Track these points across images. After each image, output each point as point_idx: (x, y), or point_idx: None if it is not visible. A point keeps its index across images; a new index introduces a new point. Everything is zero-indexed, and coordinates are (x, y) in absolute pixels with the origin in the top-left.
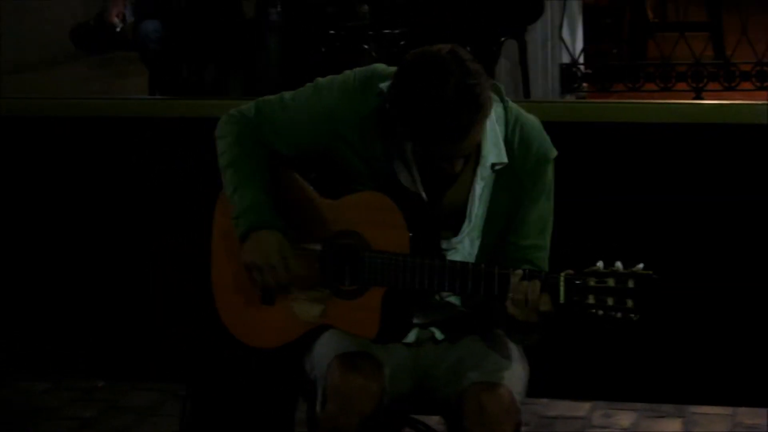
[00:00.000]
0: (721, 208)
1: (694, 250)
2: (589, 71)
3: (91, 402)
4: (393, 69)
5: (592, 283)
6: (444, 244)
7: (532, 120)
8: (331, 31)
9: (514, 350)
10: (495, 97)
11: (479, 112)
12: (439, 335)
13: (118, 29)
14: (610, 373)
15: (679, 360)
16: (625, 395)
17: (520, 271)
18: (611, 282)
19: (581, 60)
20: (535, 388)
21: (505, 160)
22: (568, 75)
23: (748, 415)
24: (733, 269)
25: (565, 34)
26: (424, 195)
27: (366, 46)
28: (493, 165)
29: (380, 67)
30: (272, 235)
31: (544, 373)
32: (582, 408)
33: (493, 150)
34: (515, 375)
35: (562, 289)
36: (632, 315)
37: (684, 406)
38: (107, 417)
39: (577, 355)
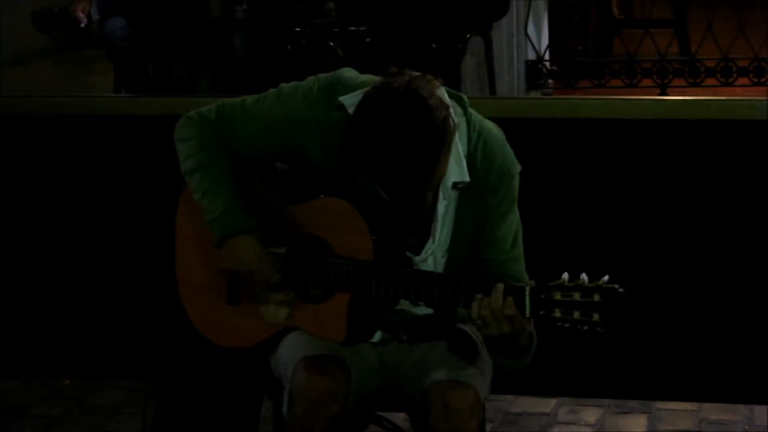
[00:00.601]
0: (684, 202)
1: (659, 246)
2: (554, 68)
3: (59, 400)
4: (360, 79)
5: (558, 297)
6: (410, 256)
7: (496, 133)
8: (297, 29)
9: (479, 346)
10: (458, 110)
11: (443, 146)
12: (404, 335)
13: (82, 25)
14: (576, 370)
15: (645, 356)
16: (590, 391)
17: (479, 294)
18: (577, 296)
19: (547, 56)
20: (500, 384)
21: (467, 179)
22: (533, 71)
23: (714, 411)
24: (696, 263)
25: (531, 30)
26: (387, 197)
27: (332, 44)
28: (455, 184)
29: (346, 75)
30: (247, 239)
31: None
32: (547, 404)
33: (455, 168)
34: (479, 372)
35: (527, 302)
36: (599, 328)
37: (649, 402)
38: (75, 415)
39: (542, 352)
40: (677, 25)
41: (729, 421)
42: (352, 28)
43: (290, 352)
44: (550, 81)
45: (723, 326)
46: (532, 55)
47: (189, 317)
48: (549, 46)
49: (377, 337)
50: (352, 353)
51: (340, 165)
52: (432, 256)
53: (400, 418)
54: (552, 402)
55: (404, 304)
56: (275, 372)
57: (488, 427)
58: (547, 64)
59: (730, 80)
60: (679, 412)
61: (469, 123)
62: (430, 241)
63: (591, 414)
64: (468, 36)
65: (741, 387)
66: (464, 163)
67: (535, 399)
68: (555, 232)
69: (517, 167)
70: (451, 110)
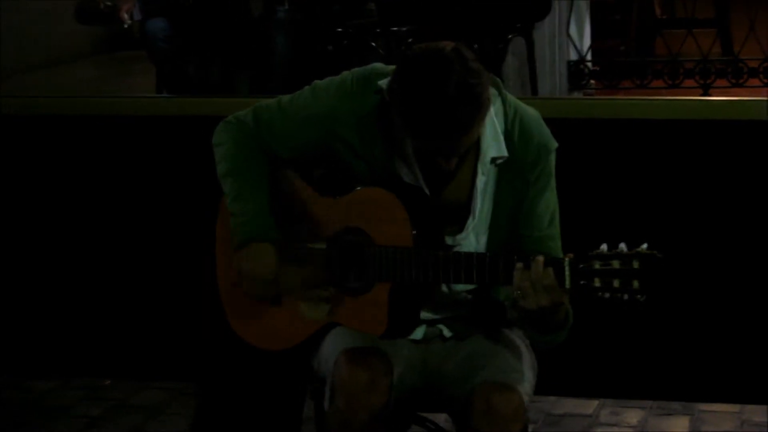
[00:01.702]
0: (728, 204)
1: (701, 246)
2: (596, 68)
3: (99, 401)
4: (391, 67)
5: (597, 266)
6: (449, 241)
7: (531, 112)
8: (339, 29)
9: (524, 349)
10: (493, 91)
11: (479, 110)
12: (447, 332)
13: (126, 26)
14: (618, 371)
15: (687, 357)
16: (632, 393)
17: (520, 264)
18: (616, 264)
19: (589, 57)
20: (543, 386)
21: (506, 153)
22: (575, 72)
23: (756, 413)
24: (738, 267)
25: (573, 30)
26: (426, 189)
27: (373, 44)
28: (493, 159)
29: (378, 66)
30: (266, 248)
31: (551, 370)
32: (589, 406)
33: (493, 144)
34: (524, 374)
35: (567, 273)
36: (639, 296)
37: (692, 404)
38: (115, 415)
39: (585, 353)
40: (719, 25)
41: None
42: (394, 29)
43: (332, 346)
44: (592, 81)
45: (766, 328)
46: (574, 56)
47: (229, 322)
48: (591, 47)
49: (420, 334)
50: (394, 349)
51: (378, 146)
52: (474, 233)
53: (441, 419)
54: (594, 403)
55: (445, 291)
56: (318, 372)
57: (530, 428)
58: (589, 64)
59: None
60: (721, 414)
61: (504, 102)
62: (470, 218)
63: (633, 416)
64: (510, 36)
65: None
66: (502, 138)
67: (577, 400)
68: (597, 233)
69: (554, 143)
70: (489, 85)
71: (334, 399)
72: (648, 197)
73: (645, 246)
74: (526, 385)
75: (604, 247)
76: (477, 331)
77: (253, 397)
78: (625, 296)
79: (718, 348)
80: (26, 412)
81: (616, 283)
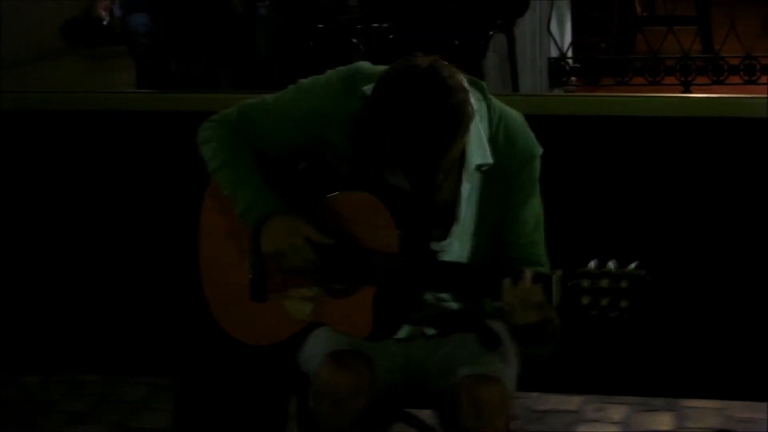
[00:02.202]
0: (709, 201)
1: (683, 243)
2: (577, 65)
3: (84, 396)
4: (377, 69)
5: (585, 284)
6: (433, 246)
7: (516, 117)
8: (320, 25)
9: (507, 341)
10: (478, 95)
11: (459, 129)
12: (430, 331)
13: (104, 22)
14: (602, 367)
15: (671, 354)
16: (616, 389)
17: (508, 279)
18: (605, 283)
19: (569, 54)
20: (526, 382)
21: (491, 160)
22: (556, 69)
23: (740, 409)
24: (722, 263)
25: (554, 27)
26: (412, 191)
27: (355, 40)
28: (478, 166)
29: (363, 65)
30: (282, 219)
31: (535, 366)
32: (573, 402)
33: (478, 151)
34: (507, 368)
35: (555, 290)
36: (626, 315)
37: (676, 400)
38: (99, 411)
39: (569, 349)
40: (700, 23)
41: (755, 419)
42: (375, 25)
43: (315, 347)
44: (572, 78)
45: (750, 324)
46: (554, 53)
47: (213, 315)
48: (572, 44)
49: (403, 333)
50: (376, 349)
51: (362, 153)
52: (458, 240)
53: (426, 415)
54: (577, 399)
55: (431, 299)
56: (303, 368)
57: (514, 424)
58: (570, 61)
59: (754, 78)
60: (705, 410)
61: (489, 107)
62: (455, 224)
63: (617, 412)
64: (491, 33)
65: None
66: (487, 145)
67: (560, 396)
68: (578, 230)
69: (539, 149)
70: (470, 96)
71: (318, 402)
72: (629, 194)
73: (634, 265)
74: (509, 378)
75: (592, 264)
76: (459, 327)
77: (238, 392)
78: (613, 314)
79: (701, 344)
80: (11, 407)
81: (603, 302)
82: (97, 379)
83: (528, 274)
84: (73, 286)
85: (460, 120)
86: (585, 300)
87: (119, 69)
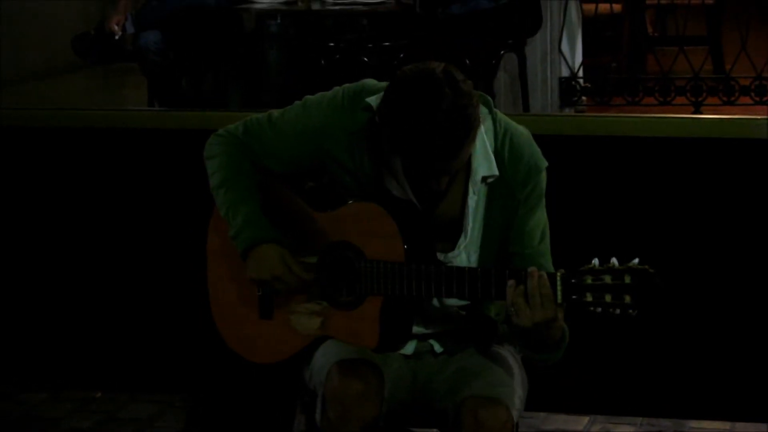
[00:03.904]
0: (718, 222)
1: (692, 264)
2: (588, 85)
3: (90, 413)
4: (382, 84)
5: (588, 281)
6: (440, 257)
7: (522, 131)
8: (331, 44)
9: (514, 365)
10: (484, 109)
11: (469, 132)
12: (438, 348)
13: (117, 37)
14: (609, 387)
15: (678, 374)
16: (623, 409)
17: (512, 280)
18: (608, 279)
19: (580, 73)
20: (533, 402)
21: (496, 172)
22: (567, 88)
23: (747, 430)
24: (730, 283)
25: (565, 47)
26: (417, 203)
27: (365, 59)
28: (484, 178)
29: (369, 82)
30: (270, 247)
31: (542, 386)
32: (580, 422)
33: (484, 163)
34: (513, 390)
35: (559, 288)
36: (630, 311)
37: (682, 421)
38: (105, 428)
39: (576, 369)
40: (711, 43)
41: None
42: (386, 44)
43: (324, 358)
44: (583, 98)
45: (758, 345)
46: (565, 72)
47: (221, 335)
48: (582, 63)
49: (410, 349)
50: (385, 363)
51: (368, 162)
52: (465, 252)
53: None
54: (585, 420)
55: (437, 304)
56: (310, 384)
57: None
58: (581, 81)
59: (765, 98)
60: (712, 431)
61: (495, 120)
62: (462, 236)
63: None
64: (502, 53)
65: None
66: (492, 157)
67: (567, 416)
68: (588, 250)
69: (544, 162)
70: (479, 105)
71: (325, 411)
72: (639, 214)
73: (636, 261)
74: (515, 400)
75: (595, 261)
76: (467, 347)
77: (243, 410)
78: (617, 311)
79: (709, 365)
80: (17, 424)
81: (607, 298)
82: (103, 396)
83: (533, 270)
84: (81, 302)
85: (472, 122)
86: (589, 297)
87: (130, 86)
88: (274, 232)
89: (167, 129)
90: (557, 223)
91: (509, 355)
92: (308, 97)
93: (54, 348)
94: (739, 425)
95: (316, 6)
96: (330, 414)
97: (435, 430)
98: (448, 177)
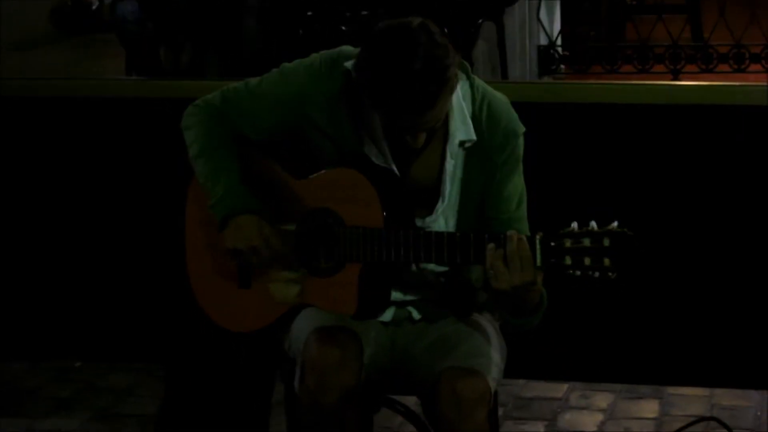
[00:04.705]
0: (697, 188)
1: (671, 230)
2: (566, 53)
3: (69, 382)
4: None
5: (567, 244)
6: (419, 223)
7: (499, 96)
8: (309, 13)
9: (492, 334)
10: (461, 74)
11: (446, 84)
12: (416, 315)
13: (93, 8)
14: (588, 354)
15: (657, 341)
16: (602, 376)
17: (492, 243)
18: (587, 242)
19: (559, 42)
20: (512, 369)
21: (474, 137)
22: (545, 57)
23: (726, 397)
24: (709, 249)
25: (543, 15)
26: (395, 169)
27: (344, 28)
28: (461, 143)
29: (347, 48)
30: (249, 218)
31: (521, 353)
32: (559, 389)
33: (461, 127)
34: (491, 359)
35: (538, 250)
36: (610, 273)
37: (661, 388)
38: (85, 397)
39: (555, 336)
40: (690, 11)
41: (741, 407)
42: (364, 13)
43: (303, 326)
44: (562, 66)
45: (736, 311)
46: (544, 41)
47: (199, 304)
48: (561, 32)
49: (389, 316)
50: (364, 330)
51: (347, 126)
52: (443, 216)
53: (411, 401)
54: (563, 387)
55: (415, 270)
56: (289, 353)
57: (500, 411)
58: (560, 49)
59: (743, 66)
60: (691, 398)
61: (472, 86)
62: (440, 201)
63: (602, 399)
64: (480, 21)
65: (754, 372)
66: (470, 122)
67: (546, 384)
68: (566, 217)
69: (522, 128)
70: (456, 62)
71: (304, 379)
72: (618, 181)
73: (615, 224)
74: (493, 370)
75: (574, 225)
76: (446, 315)
77: (222, 380)
78: (596, 274)
79: (687, 331)
80: None
81: (587, 261)
82: (82, 365)
83: (512, 233)
84: (59, 272)
85: (448, 73)
86: (568, 260)
87: (108, 56)
88: (255, 202)
89: (145, 98)
90: (535, 189)
91: (488, 323)
92: (285, 64)
93: (33, 318)
94: (718, 391)
95: None
96: (308, 382)
97: (413, 397)
98: (425, 134)
